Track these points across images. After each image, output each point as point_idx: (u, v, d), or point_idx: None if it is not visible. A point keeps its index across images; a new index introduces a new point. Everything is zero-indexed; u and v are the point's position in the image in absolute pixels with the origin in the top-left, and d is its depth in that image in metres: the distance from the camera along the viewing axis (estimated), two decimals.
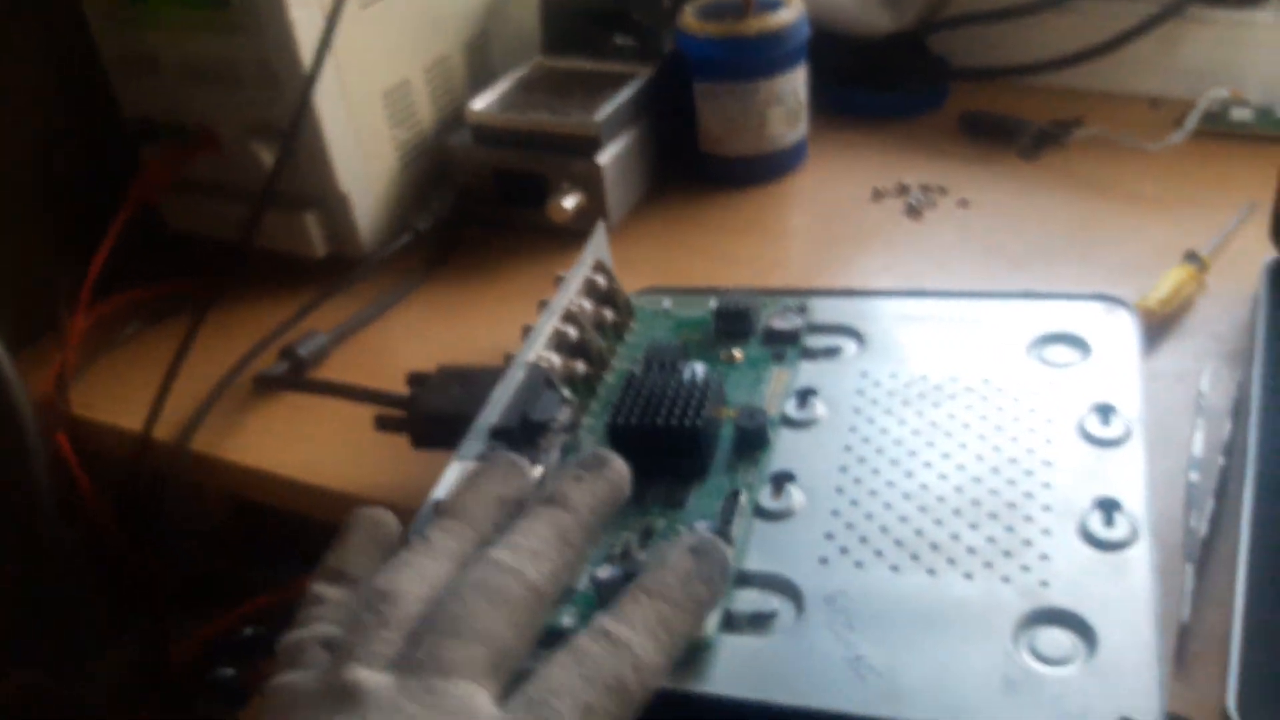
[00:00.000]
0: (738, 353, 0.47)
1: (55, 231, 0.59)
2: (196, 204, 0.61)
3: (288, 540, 0.56)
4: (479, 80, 0.64)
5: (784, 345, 0.47)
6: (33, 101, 0.59)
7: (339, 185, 0.56)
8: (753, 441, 0.42)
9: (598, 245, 0.49)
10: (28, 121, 0.59)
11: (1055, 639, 0.34)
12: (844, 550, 0.38)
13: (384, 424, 0.44)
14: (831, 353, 0.47)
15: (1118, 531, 0.36)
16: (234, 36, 0.54)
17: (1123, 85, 0.67)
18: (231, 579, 0.55)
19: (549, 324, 0.45)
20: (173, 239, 0.63)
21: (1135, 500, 0.37)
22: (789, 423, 0.43)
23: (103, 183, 0.60)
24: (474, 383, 0.43)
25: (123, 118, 0.61)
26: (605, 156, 0.58)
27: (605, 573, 0.37)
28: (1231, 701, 0.31)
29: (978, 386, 0.43)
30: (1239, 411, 0.41)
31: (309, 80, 0.49)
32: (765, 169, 0.62)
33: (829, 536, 0.38)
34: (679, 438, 0.41)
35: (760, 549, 0.39)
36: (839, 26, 0.67)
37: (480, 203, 0.61)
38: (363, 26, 0.55)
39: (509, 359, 0.43)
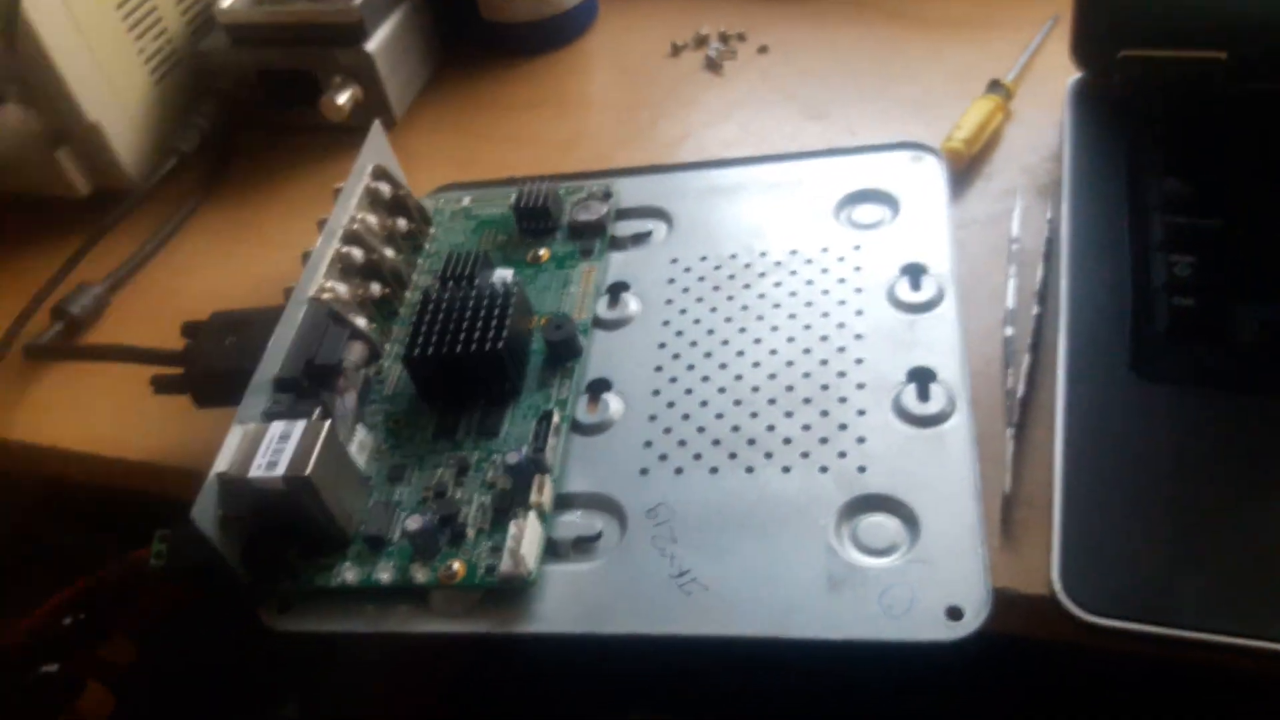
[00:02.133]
0: (544, 252, 0.44)
1: None
2: None
3: (98, 510, 0.52)
4: None
5: (591, 238, 0.44)
6: None
7: (85, 114, 0.50)
8: (563, 353, 0.40)
9: (375, 148, 0.45)
10: None
11: (877, 526, 0.33)
12: (663, 457, 0.37)
13: (162, 386, 0.40)
14: (640, 239, 0.44)
15: (934, 405, 0.36)
16: None
17: None
18: (54, 554, 0.52)
19: (328, 248, 0.42)
20: None
21: (950, 368, 0.36)
22: (601, 324, 0.41)
23: None
24: (250, 328, 0.40)
25: None
26: (374, 43, 0.53)
27: (415, 524, 0.35)
28: (1055, 573, 0.31)
29: (786, 260, 0.42)
30: (1050, 253, 0.40)
31: None
32: (554, 32, 0.58)
33: (648, 444, 0.37)
34: (482, 363, 0.38)
35: (580, 466, 0.37)
36: None
37: (248, 111, 0.56)
38: None
39: (288, 294, 0.40)
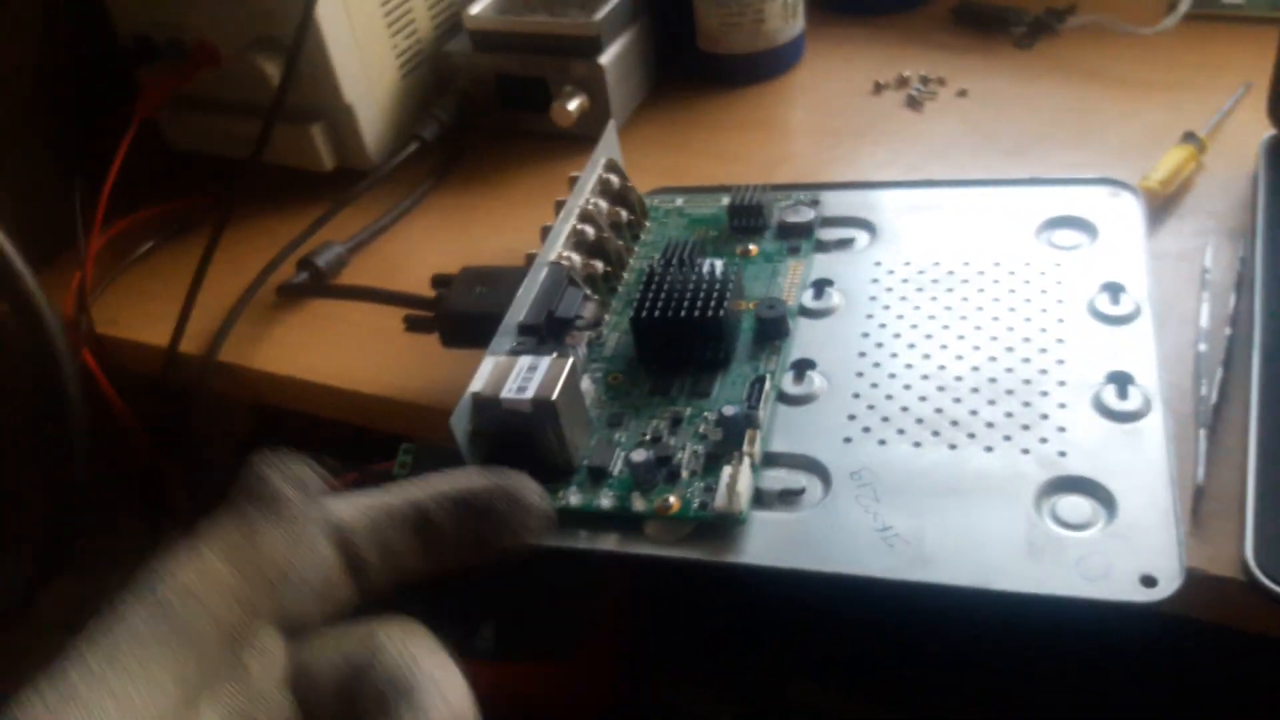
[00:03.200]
0: (753, 247, 0.48)
1: (59, 155, 0.59)
2: (198, 121, 0.61)
3: (309, 448, 0.57)
4: None
5: (798, 238, 0.48)
6: (28, 22, 0.59)
7: (344, 97, 0.56)
8: (773, 331, 0.43)
9: (609, 144, 0.50)
10: (25, 43, 0.59)
11: (1075, 505, 0.35)
12: (866, 430, 0.39)
13: (414, 324, 0.45)
14: (844, 244, 0.48)
15: (1131, 403, 0.38)
16: None
17: None
18: None
19: (568, 223, 0.46)
20: (175, 158, 0.63)
21: (1147, 373, 0.39)
22: (807, 313, 0.45)
23: (103, 103, 0.59)
24: (498, 282, 0.44)
25: (119, 36, 0.60)
26: (606, 57, 0.58)
27: (639, 456, 0.38)
28: (1249, 552, 0.33)
29: (989, 270, 0.44)
30: (1242, 285, 0.43)
31: None
32: (764, 65, 0.63)
33: (851, 418, 0.40)
34: (703, 328, 0.42)
35: (785, 431, 0.40)
36: None
37: (483, 109, 0.61)
38: None
39: (530, 258, 0.44)
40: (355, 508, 0.27)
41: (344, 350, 0.49)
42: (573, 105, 0.58)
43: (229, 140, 0.59)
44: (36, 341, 0.46)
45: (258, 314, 0.52)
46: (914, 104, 0.58)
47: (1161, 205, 0.48)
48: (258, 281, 0.52)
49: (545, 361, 0.39)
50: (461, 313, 0.44)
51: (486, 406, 0.38)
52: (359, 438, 0.49)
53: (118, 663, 0.22)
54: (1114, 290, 0.42)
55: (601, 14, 0.57)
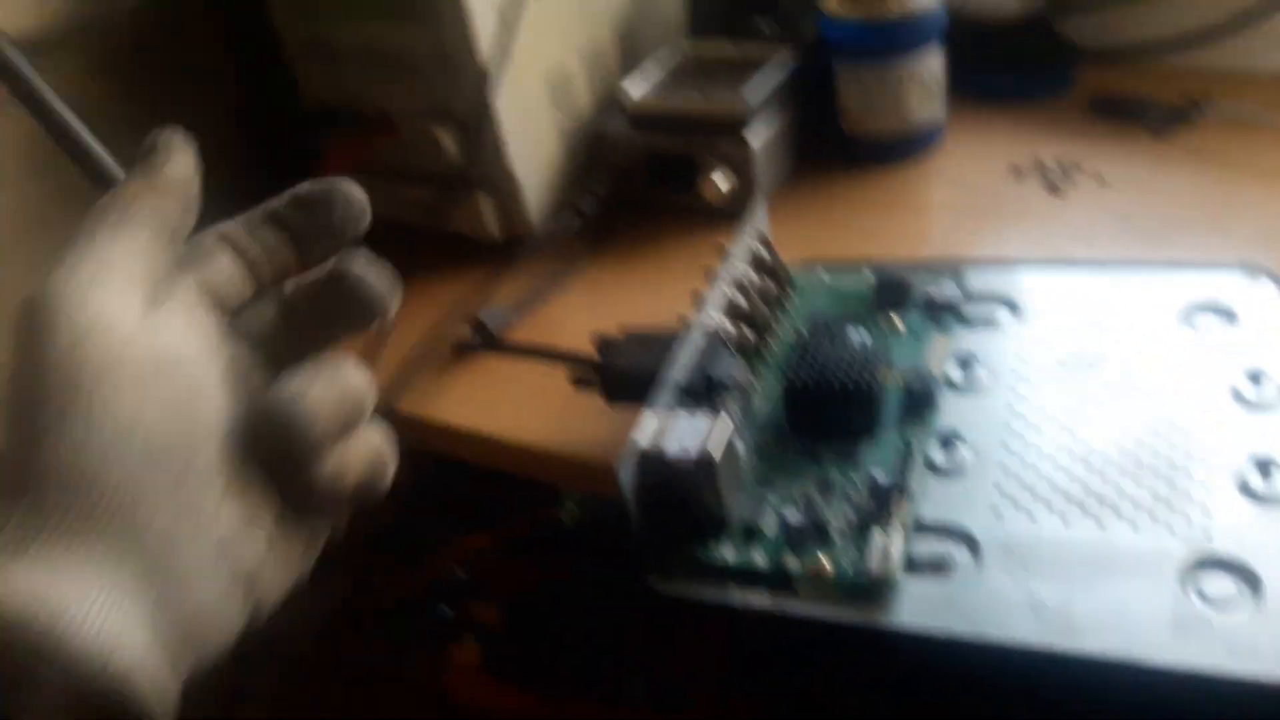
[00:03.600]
0: (898, 321, 0.50)
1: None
2: (374, 188, 0.65)
3: (462, 497, 0.60)
4: (631, 66, 0.68)
5: (943, 314, 0.50)
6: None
7: (511, 168, 0.61)
8: (920, 402, 0.45)
9: (758, 218, 0.53)
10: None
11: (1221, 584, 0.37)
12: (1013, 502, 0.41)
13: (580, 381, 0.48)
14: (989, 321, 0.50)
15: (1275, 486, 0.39)
16: (412, 25, 0.58)
17: (1251, 63, 0.68)
18: (418, 531, 0.60)
19: (720, 290, 0.49)
20: None
21: None
22: (952, 386, 0.47)
23: (284, 170, 0.65)
24: (657, 343, 0.47)
25: (303, 105, 0.65)
26: (755, 136, 0.61)
27: (794, 517, 0.41)
28: None
29: (1131, 352, 0.46)
30: None
31: (493, 68, 0.53)
32: (905, 147, 0.65)
33: (998, 490, 0.42)
34: (852, 396, 0.44)
35: (932, 501, 0.42)
36: (972, 10, 0.70)
37: (636, 183, 0.65)
38: (530, 16, 0.59)
39: (684, 322, 0.47)
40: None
41: (513, 405, 0.52)
42: (721, 181, 0.61)
43: (401, 206, 0.63)
44: None
45: (433, 369, 0.56)
46: (1053, 189, 0.60)
47: None
48: (432, 339, 0.56)
49: (706, 421, 0.42)
50: (625, 371, 0.47)
51: (651, 461, 0.41)
52: (518, 489, 0.52)
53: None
54: (1256, 375, 0.43)
55: (751, 96, 0.61)
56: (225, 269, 0.34)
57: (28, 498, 0.28)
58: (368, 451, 0.34)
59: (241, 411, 0.32)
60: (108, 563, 0.28)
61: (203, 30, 0.62)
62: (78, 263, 0.31)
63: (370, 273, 0.35)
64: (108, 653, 0.27)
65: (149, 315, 0.31)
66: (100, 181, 0.38)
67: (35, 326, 0.30)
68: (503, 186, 0.61)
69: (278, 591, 0.33)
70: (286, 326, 0.35)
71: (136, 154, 0.34)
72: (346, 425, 0.32)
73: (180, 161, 0.35)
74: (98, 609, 0.27)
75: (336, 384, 0.32)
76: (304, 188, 0.36)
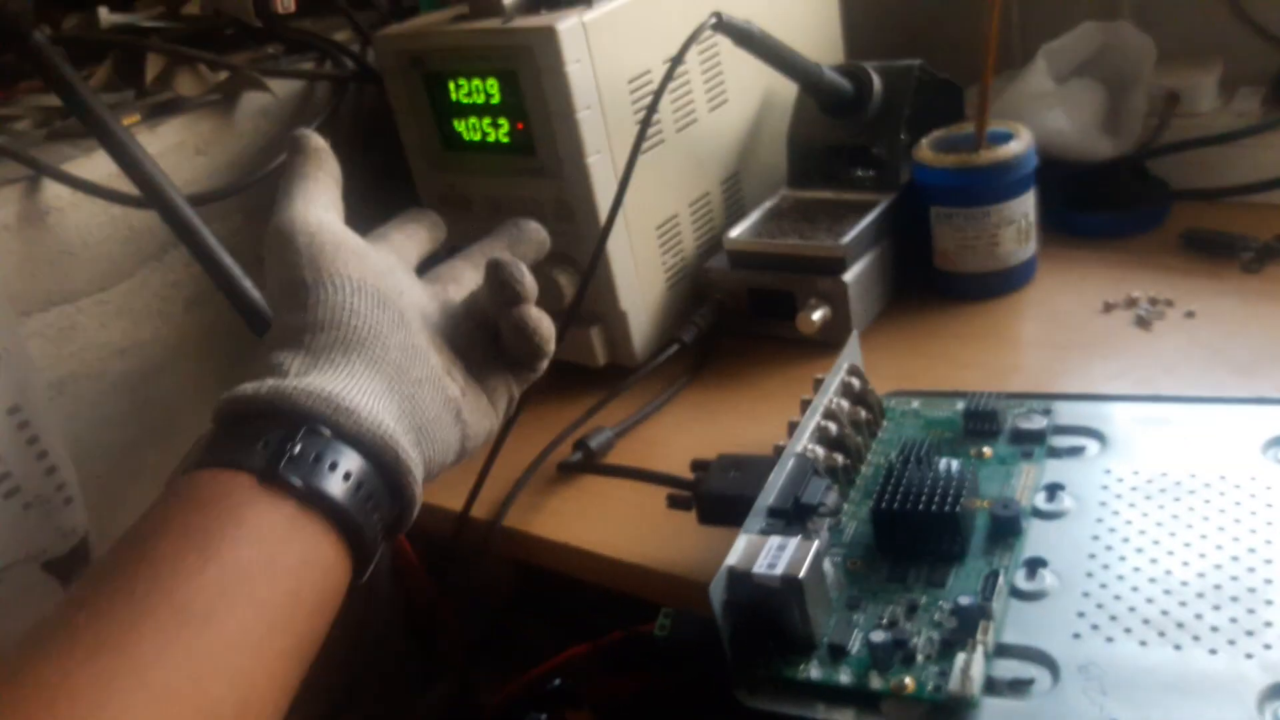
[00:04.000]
0: (988, 450, 0.52)
1: None
2: None
3: (559, 608, 0.63)
4: (733, 212, 0.73)
5: (1030, 444, 0.52)
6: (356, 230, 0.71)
7: (620, 305, 0.65)
8: (1007, 529, 0.47)
9: (851, 351, 0.56)
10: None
11: None
12: (1095, 627, 0.42)
13: (675, 502, 0.51)
14: (1075, 451, 0.51)
15: None
16: (537, 179, 0.64)
17: None
18: (519, 640, 0.63)
19: (813, 419, 0.52)
20: None
21: None
22: (1039, 514, 0.48)
23: None
24: (751, 468, 0.50)
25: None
26: (850, 275, 0.65)
27: (878, 637, 0.42)
28: None
29: (1215, 483, 0.47)
30: None
31: (609, 219, 0.59)
32: (997, 284, 0.68)
33: (1080, 615, 0.43)
34: (940, 522, 0.46)
35: (1016, 625, 0.43)
36: (1065, 153, 0.73)
37: (735, 317, 0.69)
38: (642, 169, 0.64)
39: (778, 449, 0.50)
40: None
41: (611, 522, 0.56)
42: (817, 316, 0.64)
43: None
44: None
45: (538, 486, 0.60)
46: (1143, 323, 0.62)
47: None
48: (540, 459, 0.60)
49: (793, 543, 0.44)
50: (718, 494, 0.50)
51: (740, 580, 0.43)
52: (613, 602, 0.55)
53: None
54: None
55: (848, 238, 0.65)
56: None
57: (305, 340, 0.42)
58: (545, 316, 0.46)
59: (427, 296, 0.47)
60: (365, 375, 0.41)
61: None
62: (294, 200, 0.46)
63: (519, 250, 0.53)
64: (380, 423, 0.40)
65: (347, 228, 0.46)
66: (250, 317, 0.46)
67: (282, 237, 0.44)
68: (610, 320, 0.66)
69: (477, 429, 0.46)
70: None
71: (286, 144, 0.49)
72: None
73: (316, 140, 0.49)
74: (367, 400, 0.40)
75: (533, 244, 0.54)
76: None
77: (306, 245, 0.44)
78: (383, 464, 0.40)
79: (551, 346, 0.47)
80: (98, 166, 0.60)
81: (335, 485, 0.38)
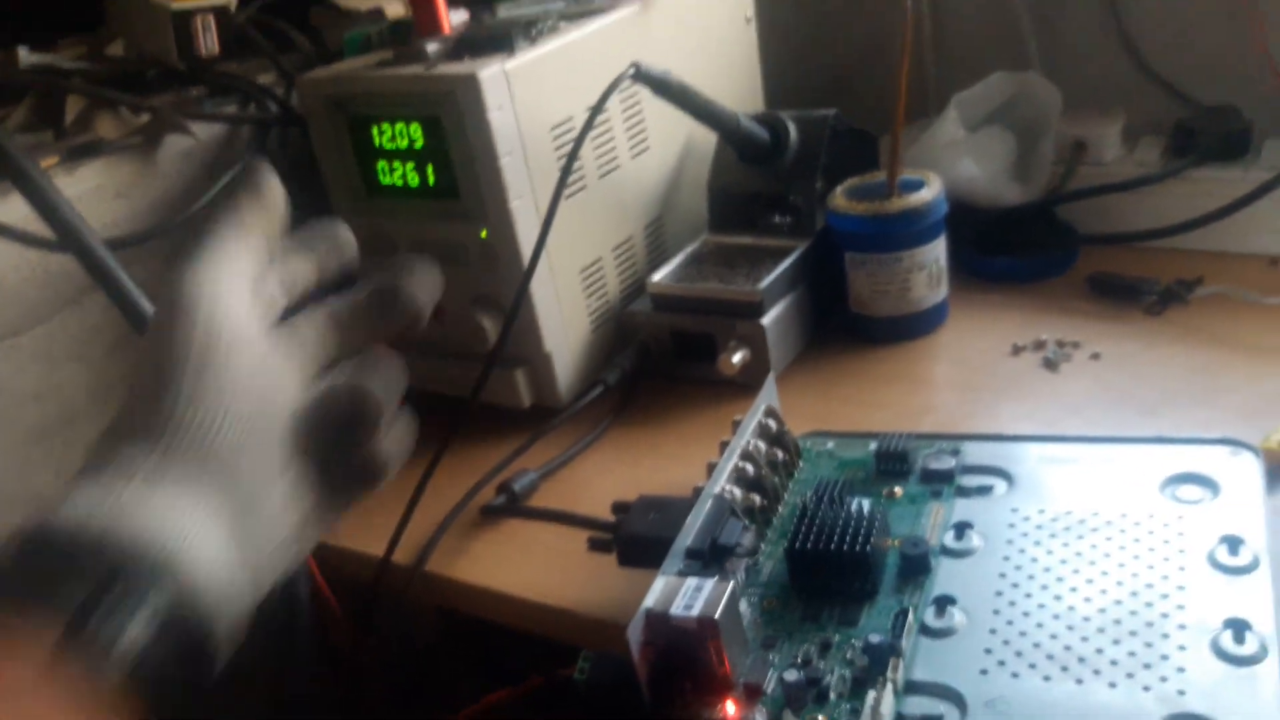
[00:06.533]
0: (898, 489, 0.53)
1: None
2: (416, 364, 0.71)
3: (483, 653, 0.63)
4: (656, 256, 0.74)
5: (940, 483, 0.53)
6: None
7: (545, 347, 0.66)
8: (916, 567, 0.48)
9: (768, 393, 0.57)
10: None
11: None
12: (1001, 663, 0.43)
13: (595, 545, 0.51)
14: (984, 490, 0.53)
15: (1248, 648, 0.41)
16: (461, 223, 0.65)
17: (1241, 246, 0.72)
18: (439, 685, 0.63)
19: (730, 461, 0.53)
20: None
21: (1264, 621, 0.42)
22: (948, 552, 0.49)
23: None
24: (670, 510, 0.51)
25: None
26: (768, 318, 0.66)
27: (792, 676, 0.43)
28: None
29: (1116, 520, 0.49)
30: None
31: (532, 263, 0.59)
32: (910, 327, 0.70)
33: (988, 651, 0.44)
34: (851, 562, 0.47)
35: (926, 662, 0.44)
36: (976, 199, 0.75)
37: (658, 359, 0.70)
38: (565, 214, 0.65)
39: (697, 491, 0.51)
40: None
41: (533, 566, 0.56)
42: (736, 358, 0.66)
43: (443, 381, 0.68)
44: None
45: (461, 530, 0.60)
46: (1050, 365, 0.64)
47: None
48: (463, 502, 0.60)
49: (709, 584, 0.45)
50: (638, 536, 0.50)
51: (657, 621, 0.44)
52: (537, 646, 0.55)
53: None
54: (1233, 542, 0.46)
55: (765, 282, 0.66)
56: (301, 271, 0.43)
57: (164, 440, 0.36)
58: (406, 431, 0.43)
59: (305, 398, 0.40)
60: (212, 500, 0.36)
61: None
62: (209, 259, 0.39)
63: (410, 282, 0.44)
64: (205, 590, 0.35)
65: (253, 308, 0.39)
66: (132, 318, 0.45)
67: (178, 308, 0.38)
68: (535, 362, 0.67)
69: (313, 542, 0.41)
70: (337, 328, 0.42)
71: (241, 178, 0.44)
72: (392, 409, 0.42)
73: (275, 185, 0.42)
74: (206, 550, 0.35)
75: (389, 375, 0.42)
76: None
77: (204, 329, 0.37)
78: (191, 632, 0.34)
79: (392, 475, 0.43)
80: (13, 209, 0.60)
81: (132, 656, 0.32)
